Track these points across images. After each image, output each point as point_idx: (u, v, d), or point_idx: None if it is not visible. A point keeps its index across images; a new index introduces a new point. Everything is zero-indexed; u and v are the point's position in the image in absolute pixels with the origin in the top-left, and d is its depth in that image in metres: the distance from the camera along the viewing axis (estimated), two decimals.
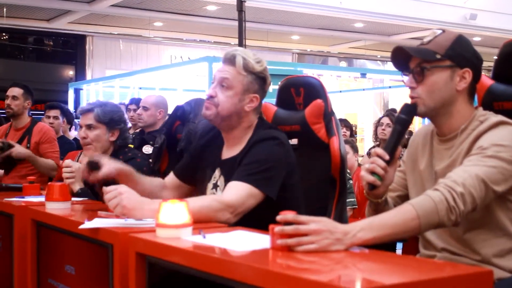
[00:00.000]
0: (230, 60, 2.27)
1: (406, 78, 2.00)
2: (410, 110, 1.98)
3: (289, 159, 2.24)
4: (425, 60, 1.95)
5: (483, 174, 1.77)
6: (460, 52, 1.96)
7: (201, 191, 2.37)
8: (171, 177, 2.51)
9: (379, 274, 1.33)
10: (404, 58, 2.00)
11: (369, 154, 6.11)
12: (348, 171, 4.55)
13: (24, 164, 4.50)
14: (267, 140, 2.21)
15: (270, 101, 3.01)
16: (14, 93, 4.65)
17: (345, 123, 6.29)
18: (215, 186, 2.33)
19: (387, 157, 1.87)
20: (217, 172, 2.34)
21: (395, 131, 1.96)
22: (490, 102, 2.21)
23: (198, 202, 1.95)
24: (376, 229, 1.59)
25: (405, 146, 2.26)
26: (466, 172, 1.77)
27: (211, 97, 2.26)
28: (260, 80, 2.29)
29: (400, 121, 1.96)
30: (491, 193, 1.79)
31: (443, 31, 2.01)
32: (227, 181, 2.25)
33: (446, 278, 1.22)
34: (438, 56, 1.94)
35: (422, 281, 1.21)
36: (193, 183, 2.46)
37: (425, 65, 1.94)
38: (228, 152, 2.33)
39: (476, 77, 1.98)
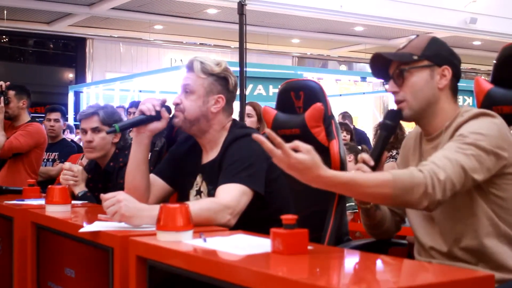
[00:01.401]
0: (189, 67, 2.33)
1: (387, 86, 2.01)
2: (395, 115, 2.00)
3: (267, 153, 2.26)
4: (403, 63, 1.97)
5: (463, 161, 1.77)
6: (436, 51, 1.98)
7: (183, 200, 2.36)
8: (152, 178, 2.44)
9: (379, 277, 1.33)
10: (383, 65, 2.02)
11: None
12: None
13: (14, 161, 4.49)
14: (242, 137, 2.24)
15: (270, 105, 3.02)
16: (7, 96, 4.65)
17: (345, 127, 6.28)
18: (199, 192, 2.34)
19: (372, 163, 1.89)
20: (198, 179, 2.35)
21: (381, 137, 1.97)
22: (489, 106, 2.22)
23: (197, 205, 1.96)
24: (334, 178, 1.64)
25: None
26: (446, 158, 1.77)
27: (177, 104, 2.31)
28: (222, 80, 2.32)
29: (385, 127, 1.98)
30: (470, 181, 1.79)
31: (417, 36, 2.04)
32: (209, 185, 2.27)
33: (447, 282, 1.21)
34: (415, 57, 1.96)
35: (422, 285, 1.20)
36: (173, 185, 2.44)
37: (403, 67, 1.96)
38: (207, 157, 2.35)
39: (456, 74, 2.00)
